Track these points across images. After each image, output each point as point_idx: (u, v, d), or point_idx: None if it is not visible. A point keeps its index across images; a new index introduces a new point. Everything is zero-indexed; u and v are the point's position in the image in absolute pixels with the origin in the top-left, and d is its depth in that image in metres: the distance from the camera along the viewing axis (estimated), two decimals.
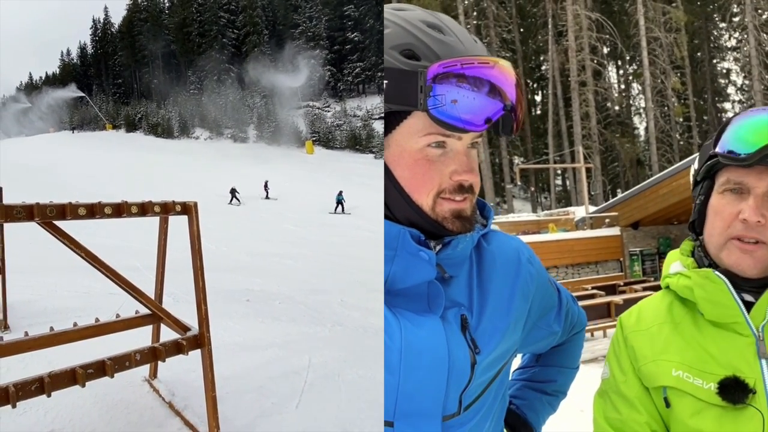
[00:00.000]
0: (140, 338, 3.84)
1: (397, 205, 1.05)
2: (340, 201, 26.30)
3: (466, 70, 0.95)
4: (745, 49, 41.49)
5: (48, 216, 2.77)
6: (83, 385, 2.80)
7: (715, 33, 46.24)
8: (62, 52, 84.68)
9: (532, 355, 1.59)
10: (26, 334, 3.30)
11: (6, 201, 4.25)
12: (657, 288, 1.45)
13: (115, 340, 3.59)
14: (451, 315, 1.09)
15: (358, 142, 54.04)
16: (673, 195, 16.35)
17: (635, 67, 45.47)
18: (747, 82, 43.06)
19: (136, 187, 23.20)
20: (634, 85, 46.89)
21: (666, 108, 42.78)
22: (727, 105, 45.93)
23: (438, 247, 1.08)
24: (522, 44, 46.11)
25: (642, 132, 46.04)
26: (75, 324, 3.56)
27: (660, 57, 41.60)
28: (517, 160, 43.96)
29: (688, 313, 1.31)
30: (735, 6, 42.71)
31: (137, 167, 35.92)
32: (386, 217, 1.07)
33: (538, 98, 48.46)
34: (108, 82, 76.05)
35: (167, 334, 3.74)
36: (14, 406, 2.58)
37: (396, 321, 1.04)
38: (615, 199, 21.39)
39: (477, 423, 1.14)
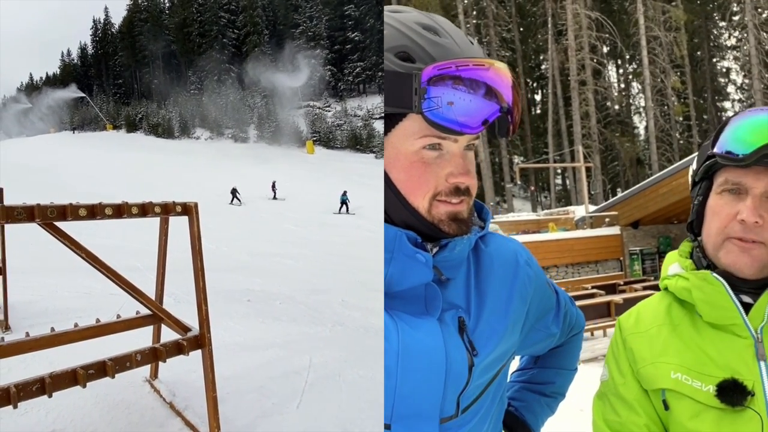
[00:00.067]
0: (141, 339, 3.84)
1: (394, 208, 1.05)
2: (344, 201, 26.25)
3: (461, 72, 0.95)
4: (744, 48, 41.46)
5: (49, 217, 2.77)
6: (84, 386, 2.81)
7: (715, 32, 46.20)
8: (63, 52, 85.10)
9: (530, 356, 1.58)
10: (27, 334, 3.30)
11: (7, 202, 4.25)
12: (657, 287, 1.44)
13: (116, 340, 3.59)
14: (449, 317, 1.09)
15: (359, 142, 54.05)
16: (673, 194, 16.34)
17: (635, 66, 45.46)
18: (747, 81, 43.04)
19: (136, 188, 23.20)
20: (634, 84, 46.90)
21: (666, 107, 42.78)
22: (727, 104, 45.95)
23: (435, 250, 1.08)
24: (522, 43, 46.09)
25: (642, 131, 46.05)
26: (76, 324, 3.56)
27: (660, 56, 41.59)
28: (516, 159, 43.94)
29: (687, 315, 1.31)
30: (735, 5, 42.69)
31: (138, 167, 35.93)
32: (384, 219, 1.07)
33: (537, 97, 48.48)
34: (108, 82, 76.10)
35: (168, 335, 3.74)
36: (15, 407, 2.58)
37: (393, 323, 1.03)
38: (615, 198, 21.39)
39: (475, 425, 1.13)
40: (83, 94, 71.08)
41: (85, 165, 35.62)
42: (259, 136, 57.88)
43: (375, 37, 58.71)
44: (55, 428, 3.60)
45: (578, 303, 11.32)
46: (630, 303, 10.91)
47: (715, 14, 45.16)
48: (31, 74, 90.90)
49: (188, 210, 3.42)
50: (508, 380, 1.47)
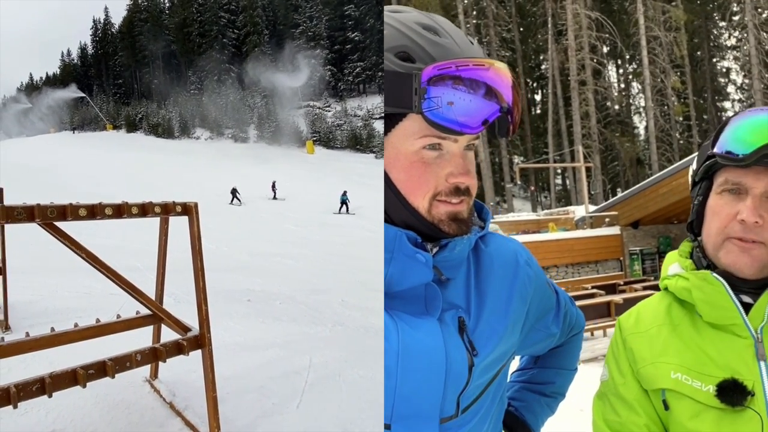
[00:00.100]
0: (141, 339, 3.85)
1: (394, 208, 1.05)
2: (344, 201, 26.23)
3: (461, 72, 0.95)
4: (744, 48, 41.46)
5: (49, 217, 2.77)
6: (84, 386, 2.81)
7: (715, 32, 46.20)
8: (63, 52, 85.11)
9: (530, 356, 1.58)
10: (27, 334, 3.30)
11: (7, 202, 4.25)
12: (657, 287, 1.44)
13: (116, 340, 3.59)
14: (449, 317, 1.09)
15: (359, 142, 54.05)
16: (673, 194, 16.33)
17: (635, 66, 45.46)
18: (747, 81, 43.03)
19: (136, 188, 23.21)
20: (634, 84, 46.89)
21: (666, 107, 42.78)
22: (727, 104, 45.94)
23: (435, 250, 1.08)
24: (522, 43, 46.10)
25: (642, 131, 46.05)
26: (76, 324, 3.56)
27: (660, 56, 41.59)
28: (516, 159, 43.95)
29: (687, 315, 1.31)
30: (735, 5, 42.70)
31: (138, 167, 35.95)
32: (384, 219, 1.07)
33: (537, 97, 48.48)
34: (108, 82, 76.14)
35: (168, 335, 3.75)
36: (15, 407, 2.58)
37: (393, 323, 1.03)
38: (615, 198, 21.39)
39: (475, 425, 1.13)
40: (83, 94, 71.12)
41: (85, 165, 35.63)
42: (259, 136, 57.90)
43: (375, 37, 58.71)
44: (55, 428, 3.60)
45: (578, 303, 11.30)
46: (630, 303, 10.91)
47: (715, 14, 45.16)
48: (31, 74, 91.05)
49: (188, 210, 3.42)
50: (508, 380, 1.47)
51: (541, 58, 46.90)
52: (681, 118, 43.53)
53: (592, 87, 41.31)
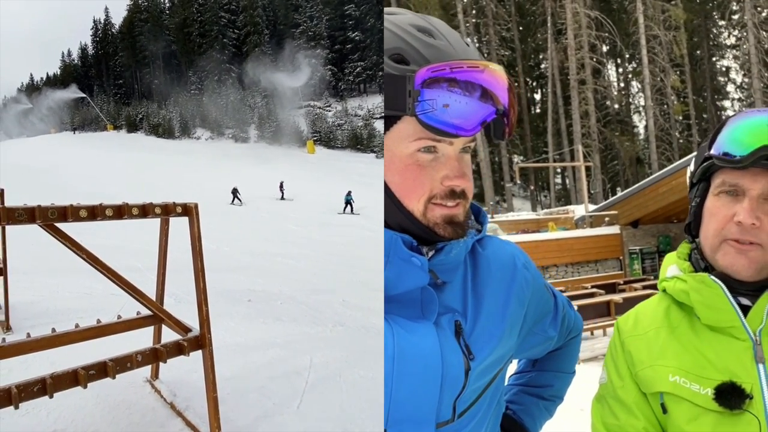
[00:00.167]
0: (142, 339, 3.86)
1: (389, 211, 1.04)
2: (349, 201, 26.14)
3: (455, 74, 0.95)
4: (744, 47, 41.41)
5: (49, 218, 2.78)
6: (85, 386, 2.82)
7: (715, 31, 46.15)
8: (63, 52, 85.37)
9: (528, 359, 1.57)
10: (28, 335, 3.31)
11: (8, 203, 4.26)
12: (657, 287, 1.44)
13: (117, 341, 3.60)
14: (445, 321, 1.08)
15: (360, 142, 54.00)
16: (672, 193, 16.31)
17: (634, 66, 45.43)
18: (746, 80, 42.97)
19: (137, 188, 23.21)
20: (634, 83, 46.85)
21: (665, 106, 42.74)
22: (727, 103, 45.88)
23: (431, 253, 1.07)
24: (521, 42, 46.06)
25: (641, 130, 46.01)
26: (77, 325, 3.57)
27: (659, 55, 41.56)
28: (516, 158, 43.87)
29: (685, 317, 1.30)
30: (734, 4, 42.67)
31: (138, 168, 35.96)
32: (384, 221, 1.07)
33: (537, 97, 48.46)
34: (109, 82, 76.14)
35: (168, 335, 3.76)
36: (17, 407, 2.59)
37: (389, 327, 1.03)
38: (615, 197, 21.37)
39: (472, 429, 1.13)
40: (84, 95, 71.17)
41: (86, 165, 35.65)
42: (260, 136, 57.89)
43: (375, 37, 58.65)
44: (56, 428, 3.61)
45: (578, 302, 11.36)
46: (629, 302, 10.94)
47: (714, 13, 45.12)
48: (31, 75, 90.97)
49: (188, 211, 3.43)
50: (506, 383, 1.46)
51: (541, 57, 46.88)
52: (680, 117, 43.51)
53: (591, 86, 41.27)
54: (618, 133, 43.97)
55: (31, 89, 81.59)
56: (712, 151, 1.24)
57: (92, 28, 78.72)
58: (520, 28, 45.96)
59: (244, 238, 16.60)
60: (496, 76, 0.98)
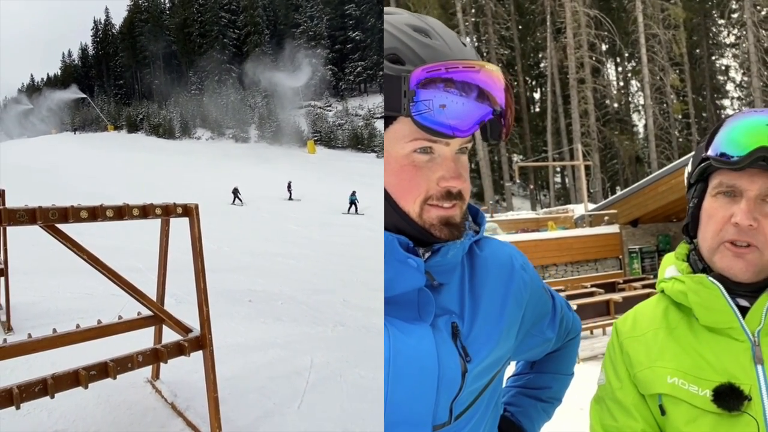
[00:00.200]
0: (142, 340, 3.86)
1: (386, 212, 1.04)
2: (353, 201, 26.11)
3: (451, 74, 0.94)
4: (743, 45, 41.43)
5: (50, 219, 2.78)
6: (86, 387, 2.82)
7: (714, 30, 46.14)
8: (63, 53, 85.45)
9: (526, 361, 1.56)
10: (29, 335, 3.32)
11: (8, 203, 4.27)
12: (656, 286, 1.44)
13: (118, 341, 3.61)
14: (442, 323, 1.07)
15: (360, 142, 54.00)
16: (672, 192, 16.29)
17: (634, 64, 45.43)
18: (746, 78, 42.98)
19: (138, 188, 23.22)
20: (633, 82, 46.84)
21: (665, 105, 42.75)
22: (726, 102, 45.86)
23: (427, 255, 1.06)
24: (520, 41, 46.05)
25: (641, 129, 46.02)
26: (78, 326, 3.57)
27: (659, 54, 41.56)
28: (516, 157, 43.87)
29: (684, 318, 1.30)
30: (734, 2, 42.66)
31: (139, 168, 35.98)
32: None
33: (536, 96, 48.47)
34: (109, 83, 76.20)
35: (169, 336, 3.76)
36: (18, 408, 2.60)
37: (385, 329, 1.02)
38: (614, 196, 21.35)
39: None
40: (84, 95, 71.23)
41: (87, 166, 35.65)
42: (260, 136, 57.92)
43: (376, 37, 58.62)
44: (57, 429, 3.62)
45: (577, 301, 11.36)
46: (629, 301, 10.95)
47: (714, 12, 45.11)
48: (32, 75, 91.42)
49: (189, 212, 3.43)
50: (504, 385, 1.45)
51: (540, 56, 46.87)
52: (680, 116, 43.51)
53: (591, 85, 41.29)
54: (617, 132, 43.98)
55: (32, 90, 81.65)
56: (710, 152, 1.24)
57: (92, 29, 78.92)
58: (520, 27, 45.95)
59: (245, 239, 16.59)
60: (492, 76, 0.97)
